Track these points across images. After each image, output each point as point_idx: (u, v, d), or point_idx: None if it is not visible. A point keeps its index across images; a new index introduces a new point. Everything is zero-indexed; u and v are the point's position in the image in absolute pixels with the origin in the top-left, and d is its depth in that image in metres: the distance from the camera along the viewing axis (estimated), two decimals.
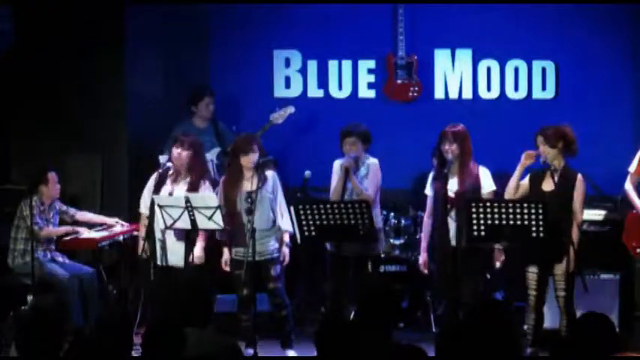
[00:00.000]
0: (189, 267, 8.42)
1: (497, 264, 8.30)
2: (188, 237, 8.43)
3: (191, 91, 9.99)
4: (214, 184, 8.74)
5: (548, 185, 8.07)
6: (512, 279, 8.79)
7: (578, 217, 8.05)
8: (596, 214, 9.25)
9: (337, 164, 8.61)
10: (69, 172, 9.87)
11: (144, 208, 8.60)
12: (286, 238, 8.50)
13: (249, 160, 8.44)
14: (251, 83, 10.49)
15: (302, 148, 10.29)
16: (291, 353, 8.56)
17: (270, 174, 8.53)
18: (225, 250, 8.54)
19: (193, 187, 8.54)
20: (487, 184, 8.34)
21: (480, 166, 8.38)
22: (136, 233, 9.09)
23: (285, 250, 8.52)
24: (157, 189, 8.52)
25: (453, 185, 8.24)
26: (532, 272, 8.09)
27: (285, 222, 8.45)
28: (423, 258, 8.50)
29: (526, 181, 8.16)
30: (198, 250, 8.48)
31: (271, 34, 10.44)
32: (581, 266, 7.98)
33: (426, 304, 9.31)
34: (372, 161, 8.61)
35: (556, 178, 8.00)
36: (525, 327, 8.17)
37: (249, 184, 8.40)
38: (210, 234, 8.52)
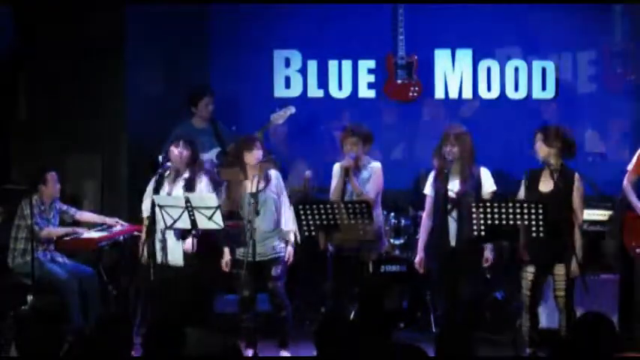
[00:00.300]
0: (188, 267, 8.42)
1: (485, 265, 8.29)
2: (185, 237, 8.42)
3: (191, 91, 9.99)
4: (216, 184, 8.72)
5: (546, 185, 8.05)
6: (512, 279, 8.78)
7: (578, 216, 8.03)
8: (597, 214, 9.24)
9: (337, 167, 8.60)
10: (69, 172, 9.87)
11: (146, 212, 8.56)
12: (291, 237, 8.47)
13: (254, 156, 8.39)
14: (251, 83, 10.49)
15: (302, 148, 10.29)
16: (284, 354, 8.52)
17: (273, 173, 8.50)
18: (226, 251, 8.53)
19: (190, 185, 8.52)
20: (488, 184, 8.34)
21: (480, 167, 8.38)
22: (136, 233, 9.08)
23: (290, 250, 8.49)
24: (156, 190, 8.50)
25: (454, 186, 8.23)
26: (529, 272, 8.07)
27: (289, 221, 8.43)
28: (419, 257, 8.49)
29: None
30: (189, 242, 8.44)
31: (271, 34, 10.44)
32: (581, 267, 7.97)
33: (426, 304, 9.30)
34: (375, 165, 8.60)
35: (555, 178, 7.99)
36: (523, 328, 8.16)
37: (252, 185, 8.37)
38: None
